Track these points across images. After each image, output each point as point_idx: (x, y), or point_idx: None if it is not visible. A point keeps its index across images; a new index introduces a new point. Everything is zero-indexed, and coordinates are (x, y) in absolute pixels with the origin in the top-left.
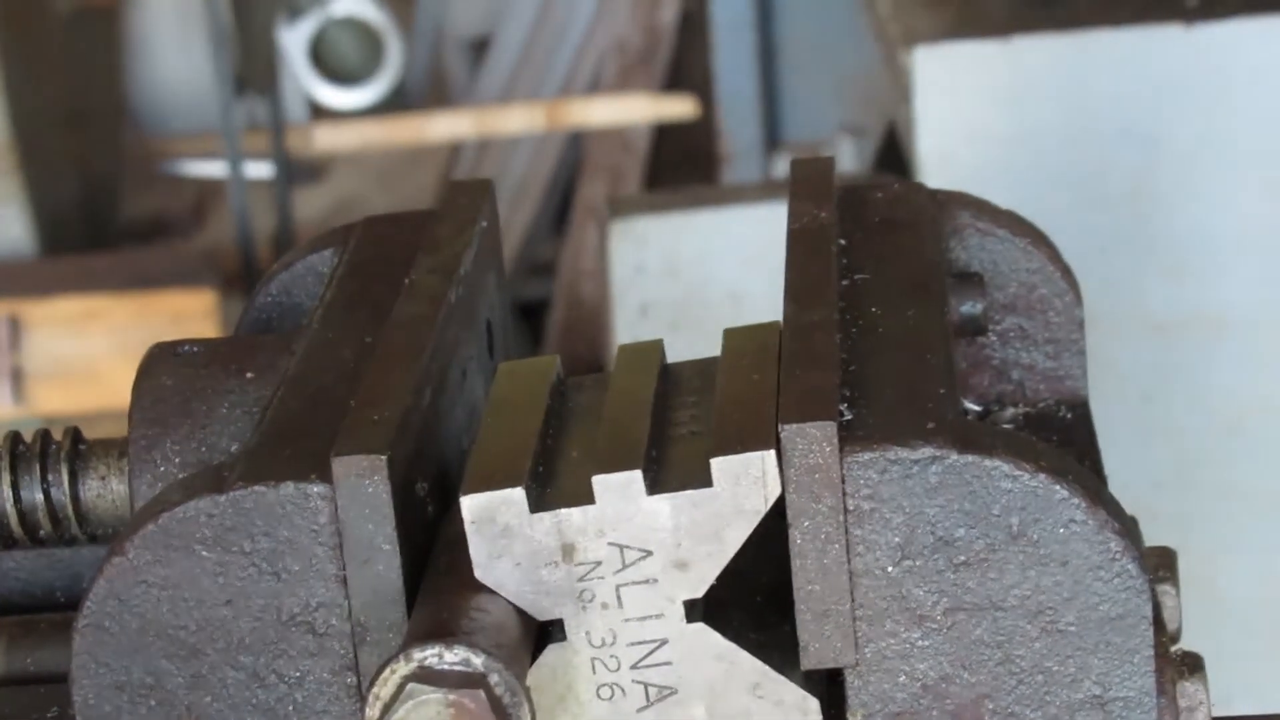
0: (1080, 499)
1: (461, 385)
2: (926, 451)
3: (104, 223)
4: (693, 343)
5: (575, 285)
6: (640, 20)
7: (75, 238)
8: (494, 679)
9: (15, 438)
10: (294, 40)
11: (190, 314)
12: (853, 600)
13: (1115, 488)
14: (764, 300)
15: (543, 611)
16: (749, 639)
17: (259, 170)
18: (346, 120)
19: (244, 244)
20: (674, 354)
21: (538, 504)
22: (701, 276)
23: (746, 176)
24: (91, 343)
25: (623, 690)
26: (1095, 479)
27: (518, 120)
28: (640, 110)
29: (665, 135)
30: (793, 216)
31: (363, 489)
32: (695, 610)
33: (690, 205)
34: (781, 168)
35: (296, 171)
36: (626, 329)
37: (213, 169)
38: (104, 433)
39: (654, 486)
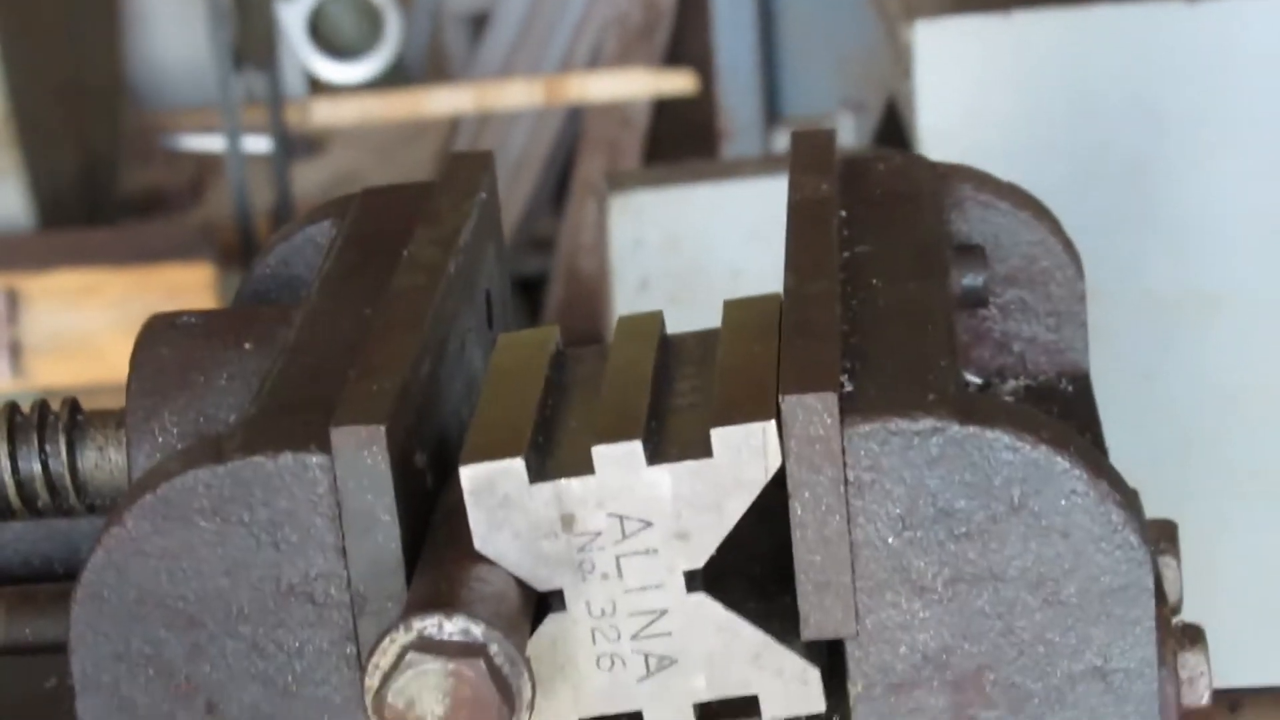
0: (1082, 470)
1: (460, 356)
2: (927, 423)
3: (102, 197)
4: (692, 317)
5: (574, 260)
6: None
7: (73, 211)
8: (494, 649)
9: (13, 408)
10: (292, 14)
11: (188, 288)
12: (853, 571)
13: (1115, 462)
14: (764, 275)
15: (542, 582)
16: (749, 609)
17: (257, 145)
18: (345, 95)
19: (242, 218)
20: (674, 328)
21: (537, 474)
22: (701, 251)
23: (746, 152)
24: (90, 316)
25: (623, 660)
26: (1097, 451)
27: (517, 95)
28: (640, 85)
29: (665, 111)
30: (793, 188)
31: (361, 459)
32: (695, 580)
33: (690, 180)
34: (781, 143)
35: (295, 146)
36: (626, 304)
37: (211, 143)
38: (103, 406)
39: (654, 457)
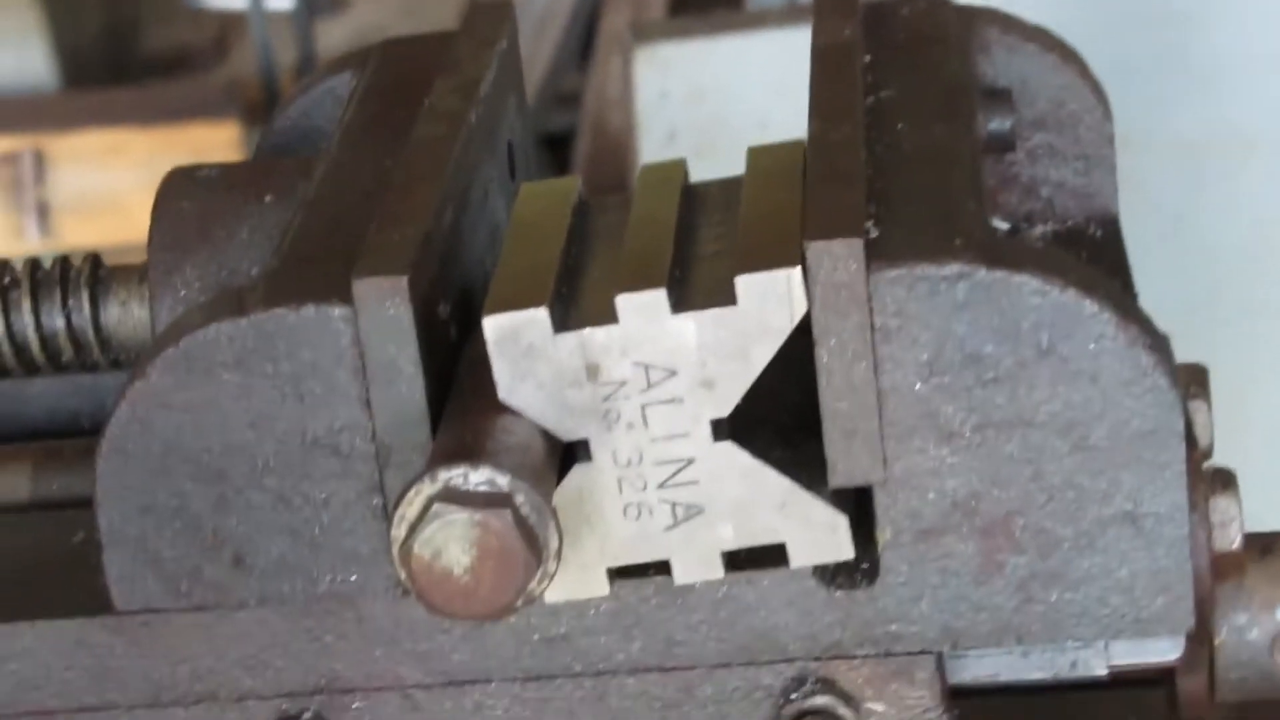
0: (1110, 314)
1: (483, 206)
2: (954, 268)
3: (126, 56)
4: (718, 169)
5: (600, 115)
6: None
7: (97, 71)
8: (520, 499)
9: (34, 264)
10: None
11: (213, 146)
12: (880, 417)
13: (1145, 307)
14: (791, 127)
15: (568, 432)
16: (776, 457)
17: (280, 2)
18: None
19: (266, 76)
20: (699, 179)
21: (561, 324)
22: (727, 103)
23: (771, 2)
24: (116, 176)
25: (649, 509)
26: (1125, 295)
27: None
28: None
29: None
30: (817, 33)
31: (384, 311)
32: (721, 429)
33: (715, 31)
34: None
35: (318, 2)
36: (652, 157)
37: (234, 1)
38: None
39: (678, 305)
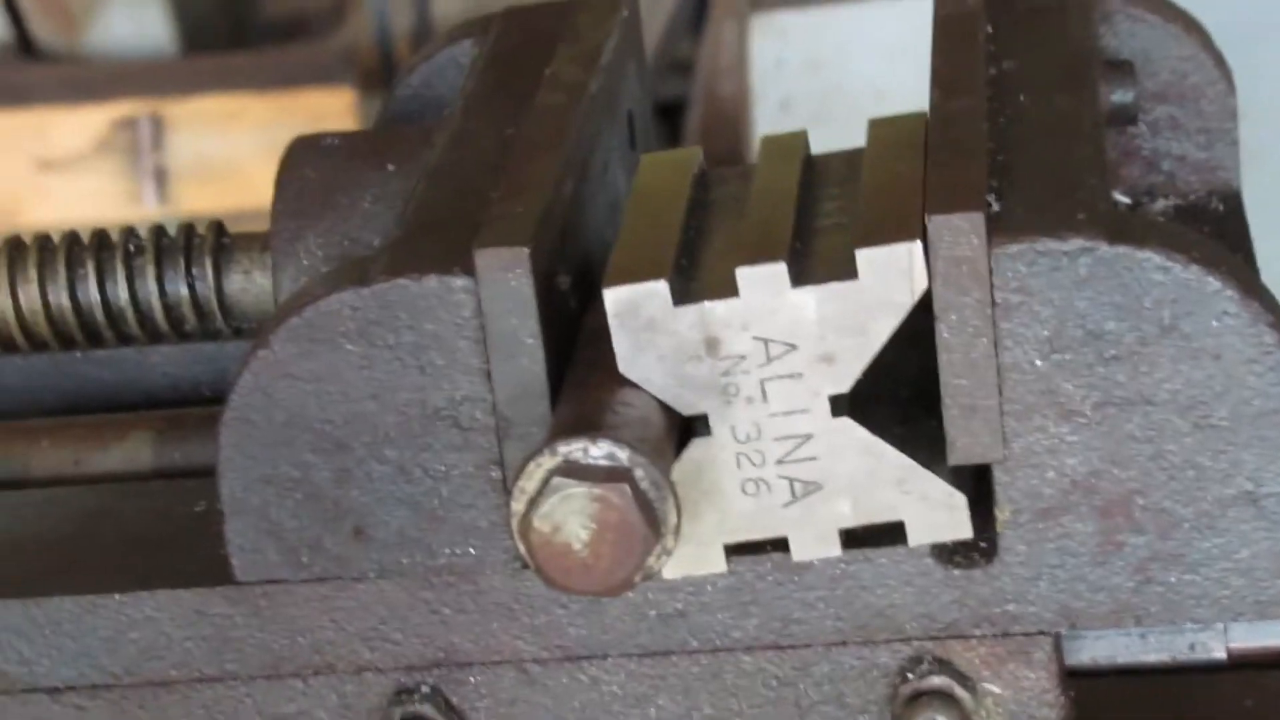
0: (1234, 291)
1: (603, 177)
2: (1076, 243)
3: (244, 22)
4: (834, 139)
5: (714, 83)
6: None
7: (216, 37)
8: (639, 473)
9: (160, 231)
10: None
11: (330, 112)
12: (1000, 395)
13: (1268, 281)
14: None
15: (687, 406)
16: (895, 434)
17: None
18: None
19: (382, 42)
20: (817, 150)
21: (681, 297)
22: (843, 71)
23: None
24: (233, 141)
25: (768, 485)
26: (1249, 271)
27: None
28: None
29: None
30: (939, 3)
31: (505, 282)
32: (841, 405)
33: None
34: None
35: None
36: (766, 126)
37: None
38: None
39: (799, 278)
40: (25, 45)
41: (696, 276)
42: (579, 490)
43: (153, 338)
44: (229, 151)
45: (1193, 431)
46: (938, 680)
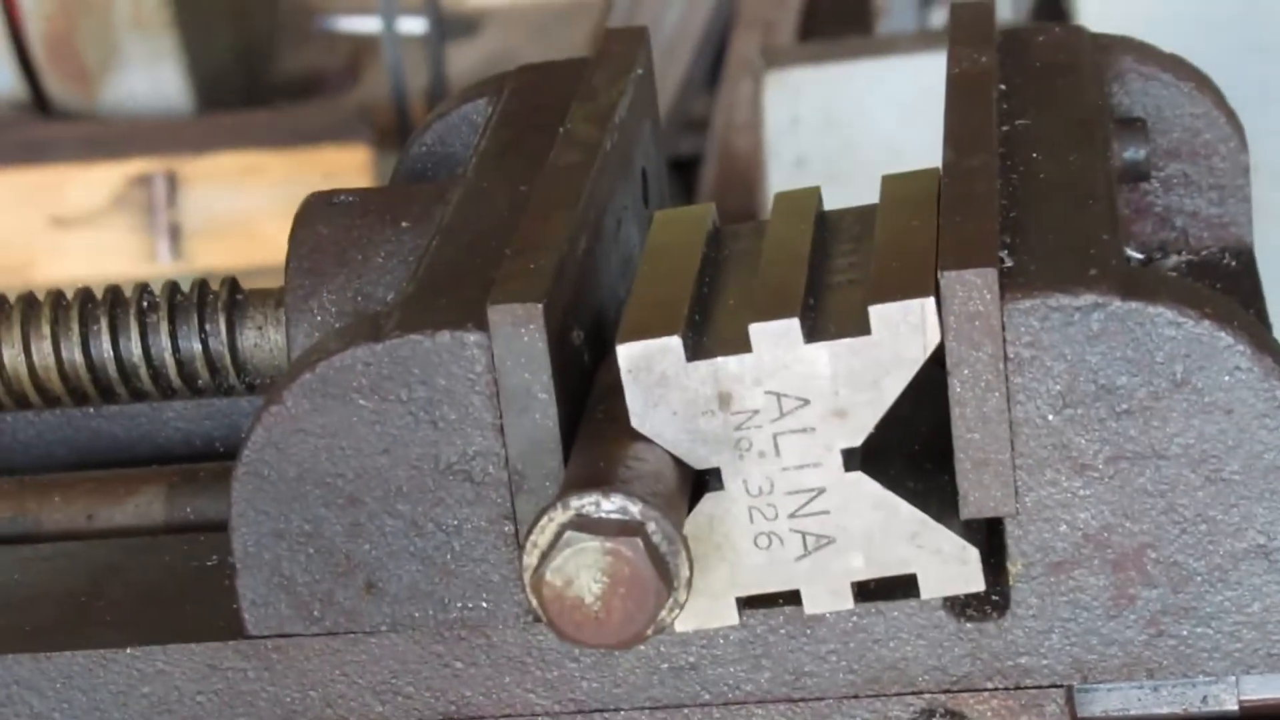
0: (1246, 346)
1: (617, 234)
2: (1089, 298)
3: (259, 80)
4: (849, 196)
5: (729, 139)
6: None
7: (231, 95)
8: (651, 527)
9: (174, 288)
10: None
11: (345, 169)
12: (1013, 449)
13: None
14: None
15: (700, 460)
16: (907, 488)
17: (413, 25)
18: None
19: (398, 99)
20: (831, 207)
21: (694, 352)
22: (858, 129)
23: (901, 27)
24: (248, 198)
25: (780, 539)
26: (1261, 326)
27: None
28: None
29: None
30: (953, 61)
31: (519, 337)
32: (853, 459)
33: (846, 56)
34: (936, 18)
35: (450, 26)
36: (781, 182)
37: (367, 25)
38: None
39: (812, 334)
40: (41, 103)
41: (709, 332)
42: (592, 544)
43: (166, 393)
44: (243, 208)
45: (1205, 485)
46: None
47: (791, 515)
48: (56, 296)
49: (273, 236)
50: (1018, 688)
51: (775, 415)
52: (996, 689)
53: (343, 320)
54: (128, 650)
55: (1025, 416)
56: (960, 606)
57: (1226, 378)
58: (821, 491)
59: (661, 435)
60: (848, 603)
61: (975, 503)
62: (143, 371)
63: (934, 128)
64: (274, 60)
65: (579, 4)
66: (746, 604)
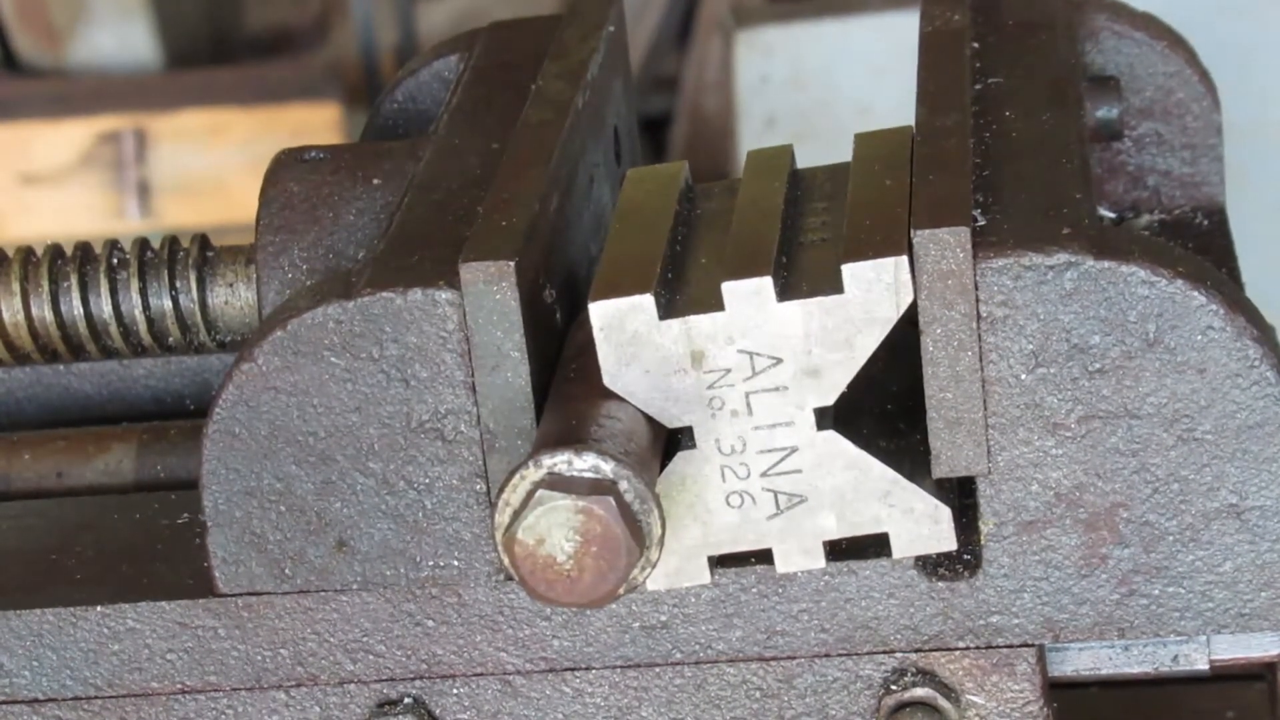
0: (1218, 305)
1: (589, 191)
2: (1061, 257)
3: (228, 36)
4: (819, 155)
5: (699, 98)
6: None
7: (199, 51)
8: (624, 486)
9: (144, 244)
10: None
11: (314, 127)
12: (985, 408)
13: (1253, 295)
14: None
15: (672, 419)
16: (880, 447)
17: None
18: None
19: (367, 57)
20: (801, 165)
21: (667, 310)
22: (828, 87)
23: None
24: (217, 156)
25: (752, 498)
26: (1233, 285)
27: None
28: None
29: None
30: (925, 19)
31: (491, 295)
32: (826, 418)
33: (817, 15)
34: None
35: None
36: (751, 142)
37: None
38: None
39: (784, 293)
40: (9, 60)
41: (682, 290)
42: (563, 503)
43: (136, 351)
44: (212, 166)
45: (1177, 445)
46: (921, 692)
47: (764, 474)
48: (26, 253)
49: (242, 194)
50: (989, 647)
51: (748, 374)
52: (968, 648)
53: (314, 278)
54: (98, 608)
55: (998, 375)
56: (932, 566)
57: (1199, 337)
58: (794, 450)
59: (634, 394)
60: (819, 562)
61: (947, 462)
62: (113, 329)
63: (905, 86)
64: (243, 16)
65: None
66: (718, 563)
